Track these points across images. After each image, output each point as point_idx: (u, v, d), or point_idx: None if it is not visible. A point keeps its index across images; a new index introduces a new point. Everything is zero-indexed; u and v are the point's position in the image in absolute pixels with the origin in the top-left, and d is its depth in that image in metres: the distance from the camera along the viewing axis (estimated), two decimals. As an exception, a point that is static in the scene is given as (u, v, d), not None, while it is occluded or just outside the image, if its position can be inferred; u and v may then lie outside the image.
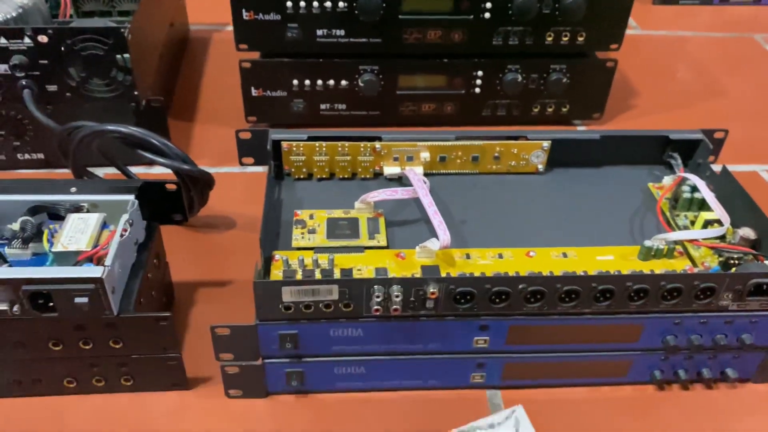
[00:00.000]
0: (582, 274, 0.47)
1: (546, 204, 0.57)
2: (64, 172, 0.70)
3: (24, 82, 0.63)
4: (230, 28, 0.98)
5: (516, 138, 0.58)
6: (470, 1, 0.70)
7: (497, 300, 0.45)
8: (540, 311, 0.46)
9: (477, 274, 0.47)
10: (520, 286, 0.45)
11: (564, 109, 0.80)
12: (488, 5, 0.71)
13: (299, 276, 0.46)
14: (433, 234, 0.50)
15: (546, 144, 0.58)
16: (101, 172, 0.69)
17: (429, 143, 0.57)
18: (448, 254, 0.49)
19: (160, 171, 0.68)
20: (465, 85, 0.77)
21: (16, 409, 0.48)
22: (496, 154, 0.58)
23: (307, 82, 0.75)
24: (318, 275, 0.46)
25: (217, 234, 0.65)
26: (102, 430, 0.47)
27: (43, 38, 0.61)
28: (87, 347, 0.45)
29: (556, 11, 0.71)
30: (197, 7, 0.98)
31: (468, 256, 0.50)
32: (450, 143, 0.58)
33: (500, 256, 0.50)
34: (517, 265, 0.49)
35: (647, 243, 0.50)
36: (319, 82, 0.75)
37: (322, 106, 0.77)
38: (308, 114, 0.77)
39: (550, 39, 0.74)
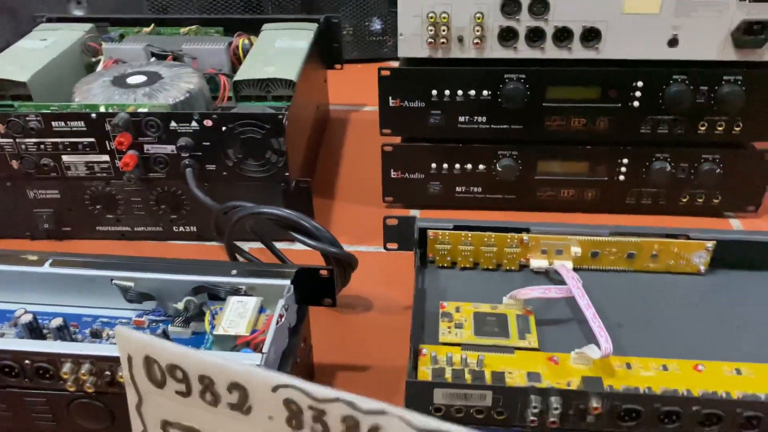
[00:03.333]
0: (765, 397, 0.43)
1: (710, 309, 0.52)
2: (213, 245, 0.74)
3: (187, 162, 0.68)
4: (368, 108, 1.03)
5: (676, 236, 0.55)
6: (619, 89, 0.69)
7: (666, 420, 0.41)
8: (714, 436, 0.42)
9: (641, 387, 0.44)
10: (694, 408, 0.41)
11: (715, 201, 0.75)
12: (638, 94, 0.69)
13: (448, 375, 0.45)
14: (588, 337, 0.47)
15: (710, 244, 0.54)
16: (246, 246, 0.72)
17: (580, 237, 0.55)
18: (606, 362, 0.46)
19: (300, 248, 0.70)
20: (608, 172, 0.74)
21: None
22: (654, 253, 0.55)
23: (445, 165, 0.75)
24: (467, 375, 0.45)
25: (355, 315, 0.65)
26: None
27: (208, 122, 0.66)
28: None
29: (711, 101, 0.68)
30: (336, 88, 1.03)
31: (628, 366, 0.46)
32: (604, 239, 0.55)
33: (665, 368, 0.46)
34: (685, 380, 0.45)
35: (838, 365, 0.44)
36: (457, 165, 0.75)
37: (458, 189, 0.77)
38: (443, 196, 0.77)
39: (703, 128, 0.70)
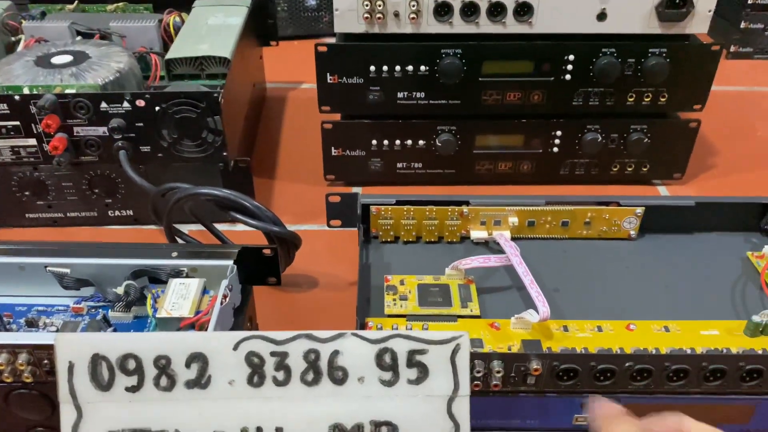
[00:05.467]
0: (690, 351, 0.45)
1: (641, 272, 0.55)
2: (151, 229, 0.72)
3: (120, 144, 0.66)
4: (306, 86, 1.02)
5: (607, 203, 0.57)
6: (551, 63, 0.71)
7: (602, 377, 0.44)
8: (646, 390, 0.44)
9: (578, 348, 0.46)
10: (627, 364, 0.43)
11: (644, 169, 0.78)
12: (569, 67, 0.71)
13: (395, 345, 0.46)
14: (527, 303, 0.49)
15: (639, 210, 0.57)
16: (185, 228, 0.71)
17: (517, 208, 0.57)
18: (544, 326, 0.48)
19: (241, 228, 0.69)
20: (543, 144, 0.76)
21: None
22: (587, 220, 0.57)
23: (386, 142, 0.76)
24: (414, 345, 0.45)
25: (301, 293, 0.65)
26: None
27: (141, 102, 0.64)
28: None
29: (638, 73, 0.71)
30: (272, 66, 1.01)
31: (565, 329, 0.48)
32: (539, 208, 0.57)
33: (599, 329, 0.48)
34: (618, 339, 0.47)
35: (755, 318, 0.48)
36: (397, 142, 0.76)
37: (399, 165, 0.78)
38: (385, 172, 0.78)
39: (631, 100, 0.73)
